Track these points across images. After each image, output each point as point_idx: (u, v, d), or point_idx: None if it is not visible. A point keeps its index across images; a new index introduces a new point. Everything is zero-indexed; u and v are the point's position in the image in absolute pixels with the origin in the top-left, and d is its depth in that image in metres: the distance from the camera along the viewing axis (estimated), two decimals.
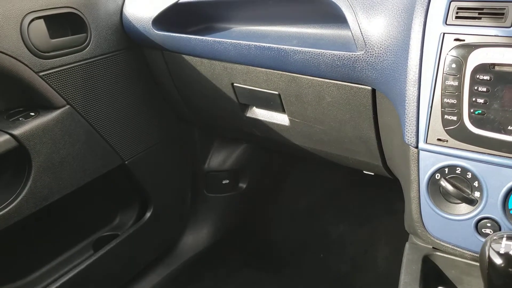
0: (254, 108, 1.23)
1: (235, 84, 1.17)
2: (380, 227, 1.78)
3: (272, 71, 1.06)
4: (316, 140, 1.16)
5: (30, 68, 1.05)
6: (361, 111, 0.99)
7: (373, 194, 1.82)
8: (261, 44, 1.02)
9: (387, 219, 1.78)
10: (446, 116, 0.76)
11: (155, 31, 1.18)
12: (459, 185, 0.78)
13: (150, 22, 1.18)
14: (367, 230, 1.79)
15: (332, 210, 1.90)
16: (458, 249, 0.83)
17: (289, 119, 1.15)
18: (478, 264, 0.86)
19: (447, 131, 0.76)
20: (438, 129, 0.77)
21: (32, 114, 1.10)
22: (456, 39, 0.74)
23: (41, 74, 1.07)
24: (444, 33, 0.76)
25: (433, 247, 0.92)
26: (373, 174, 1.26)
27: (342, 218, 1.86)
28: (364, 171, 1.27)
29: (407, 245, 0.97)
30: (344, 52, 0.90)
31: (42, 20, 1.07)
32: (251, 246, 1.85)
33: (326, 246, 1.80)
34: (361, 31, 0.87)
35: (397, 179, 1.10)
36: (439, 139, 0.77)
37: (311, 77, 1.00)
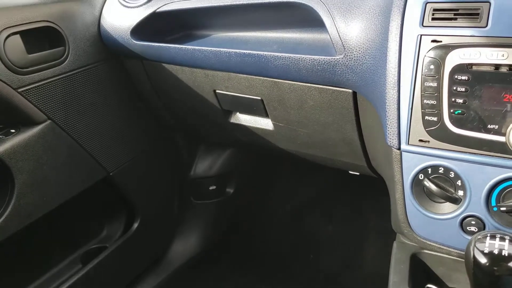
0: (238, 114, 1.23)
1: (217, 91, 1.16)
2: (368, 226, 1.78)
3: (254, 77, 1.06)
4: (301, 143, 1.16)
5: (8, 84, 1.03)
6: (343, 114, 0.99)
7: (360, 192, 1.82)
8: (241, 51, 1.01)
9: (375, 217, 1.79)
10: (426, 117, 0.77)
11: (134, 41, 1.17)
12: (442, 185, 0.79)
13: (129, 32, 1.17)
14: (356, 229, 1.80)
15: (320, 211, 1.90)
16: (445, 247, 0.84)
17: (273, 123, 1.15)
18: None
19: (428, 132, 0.77)
20: (419, 130, 0.78)
21: (13, 131, 1.08)
22: (434, 41, 0.75)
23: (20, 90, 1.05)
24: (421, 35, 0.76)
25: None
26: (358, 174, 1.27)
27: (330, 218, 1.87)
28: (350, 171, 1.27)
29: (394, 244, 0.97)
30: (323, 57, 0.91)
31: (18, 36, 1.05)
32: (241, 251, 1.84)
33: (315, 247, 1.80)
34: (339, 35, 0.88)
35: (383, 178, 1.12)
36: (420, 140, 0.78)
37: (293, 82, 1.00)
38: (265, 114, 1.14)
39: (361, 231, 1.79)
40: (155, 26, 1.18)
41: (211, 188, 1.66)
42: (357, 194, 1.84)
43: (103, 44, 1.23)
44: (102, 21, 1.22)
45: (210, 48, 1.06)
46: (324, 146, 1.12)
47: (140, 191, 1.46)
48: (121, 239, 1.42)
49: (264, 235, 1.89)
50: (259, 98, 1.10)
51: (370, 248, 1.73)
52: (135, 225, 1.46)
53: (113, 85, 1.28)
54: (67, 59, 1.15)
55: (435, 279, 0.93)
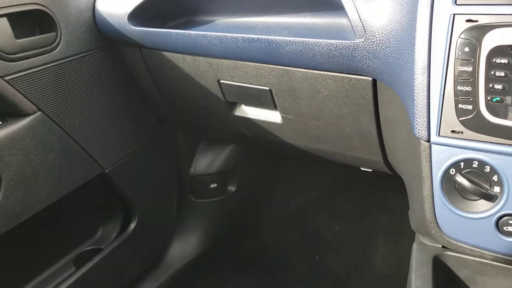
0: (243, 106, 1.16)
1: (221, 81, 1.09)
2: (377, 225, 1.73)
3: (262, 65, 0.98)
4: (311, 137, 1.09)
5: None
6: (360, 104, 0.92)
7: (368, 190, 1.77)
8: (249, 36, 0.94)
9: (384, 215, 1.73)
10: (460, 105, 0.70)
11: (132, 27, 1.09)
12: (476, 180, 0.72)
13: (126, 17, 1.09)
14: (364, 229, 1.74)
15: (326, 210, 1.84)
16: (478, 249, 0.78)
17: (281, 116, 1.08)
18: (493, 263, 0.82)
19: (462, 122, 0.70)
20: (451, 120, 0.71)
21: None
22: (468, 20, 0.68)
23: (7, 78, 0.97)
24: (454, 14, 0.69)
25: (442, 246, 0.88)
26: (371, 170, 1.20)
27: (337, 217, 1.81)
28: (362, 168, 1.21)
29: (414, 245, 0.92)
30: (341, 41, 0.83)
31: (5, 19, 0.97)
32: (243, 252, 1.78)
33: (321, 247, 1.74)
34: (359, 17, 0.80)
35: (398, 175, 1.05)
36: (453, 131, 0.71)
37: (305, 70, 0.93)
38: (273, 106, 1.07)
39: (370, 230, 1.73)
40: (155, 10, 1.11)
41: (212, 186, 1.60)
42: (365, 191, 1.78)
43: (98, 30, 1.16)
44: (97, 5, 1.14)
45: (215, 33, 0.99)
46: (337, 140, 1.05)
47: (138, 189, 1.39)
48: (117, 240, 1.35)
49: (267, 235, 1.83)
50: (268, 88, 1.03)
51: (379, 249, 1.67)
52: (132, 225, 1.39)
53: (109, 75, 1.20)
54: (59, 46, 1.07)
55: (459, 283, 0.87)
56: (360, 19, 0.80)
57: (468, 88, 0.69)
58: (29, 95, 1.02)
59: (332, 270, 1.66)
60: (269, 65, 0.97)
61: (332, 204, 1.85)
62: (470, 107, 0.69)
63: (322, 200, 1.87)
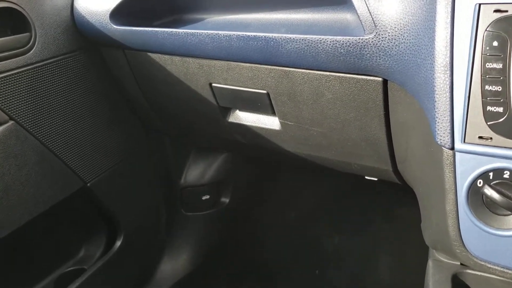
0: (237, 111, 1.09)
1: (213, 85, 1.02)
2: (379, 235, 1.68)
3: (259, 66, 0.91)
4: (313, 145, 1.01)
5: None
6: (369, 108, 0.84)
7: (369, 199, 1.72)
8: (244, 33, 0.86)
9: (386, 225, 1.69)
10: (489, 108, 0.62)
11: (114, 26, 1.02)
12: (508, 193, 0.65)
13: (108, 15, 1.02)
14: (365, 240, 1.69)
15: (325, 220, 1.78)
16: (510, 271, 0.69)
17: (280, 122, 1.00)
18: None
19: (491, 126, 0.63)
20: (479, 125, 0.63)
21: None
22: (497, 10, 0.60)
23: None
24: (480, 4, 0.61)
25: (461, 263, 0.80)
26: (376, 179, 1.13)
27: (337, 228, 1.75)
28: (366, 177, 1.13)
29: (430, 263, 0.85)
30: (349, 37, 0.75)
31: None
32: (238, 267, 1.71)
33: (321, 260, 1.68)
34: (369, 10, 0.73)
35: (407, 184, 0.98)
36: (480, 137, 0.64)
37: (307, 71, 0.85)
38: (271, 111, 1.00)
39: (371, 241, 1.68)
40: (139, 8, 1.04)
41: (204, 198, 1.54)
42: (366, 200, 1.73)
43: (77, 30, 1.09)
44: (76, 3, 1.07)
45: (206, 31, 0.91)
46: (342, 147, 0.98)
47: (123, 203, 1.32)
48: (101, 260, 1.28)
49: (264, 249, 1.77)
50: (265, 91, 0.95)
51: (382, 260, 1.62)
52: (118, 243, 1.33)
53: (89, 79, 1.14)
54: (34, 48, 1.00)
55: None
56: (370, 13, 0.73)
57: (498, 88, 0.61)
58: (0, 103, 0.95)
59: (332, 283, 1.60)
60: (266, 66, 0.90)
61: (331, 214, 1.80)
62: (500, 109, 0.62)
63: (321, 210, 1.81)
